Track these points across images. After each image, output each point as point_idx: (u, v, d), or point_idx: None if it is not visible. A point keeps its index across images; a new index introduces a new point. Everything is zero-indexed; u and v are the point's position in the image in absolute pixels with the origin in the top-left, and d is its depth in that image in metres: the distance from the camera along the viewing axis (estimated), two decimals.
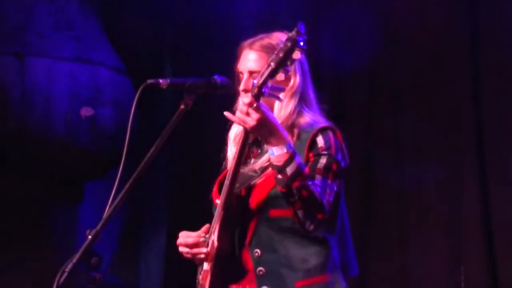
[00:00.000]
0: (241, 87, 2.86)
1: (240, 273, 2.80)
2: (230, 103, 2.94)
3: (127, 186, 2.61)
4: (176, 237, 2.90)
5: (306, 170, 2.70)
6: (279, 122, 2.76)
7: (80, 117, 5.56)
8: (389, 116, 5.39)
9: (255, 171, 2.81)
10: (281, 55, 2.55)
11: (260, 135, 2.71)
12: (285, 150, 2.65)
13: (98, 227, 2.54)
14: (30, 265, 5.58)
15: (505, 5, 5.06)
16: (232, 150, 2.92)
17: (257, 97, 2.61)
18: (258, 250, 2.78)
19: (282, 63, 2.56)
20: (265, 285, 2.76)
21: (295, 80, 2.85)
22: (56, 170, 5.68)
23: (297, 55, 2.54)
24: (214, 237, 2.77)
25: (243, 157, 2.78)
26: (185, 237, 2.87)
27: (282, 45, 2.56)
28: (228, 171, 2.80)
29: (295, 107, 2.84)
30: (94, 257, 2.53)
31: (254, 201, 2.78)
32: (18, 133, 5.43)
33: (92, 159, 5.70)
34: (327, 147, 2.77)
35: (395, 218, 5.29)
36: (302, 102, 2.86)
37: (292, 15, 5.45)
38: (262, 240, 2.78)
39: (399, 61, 5.39)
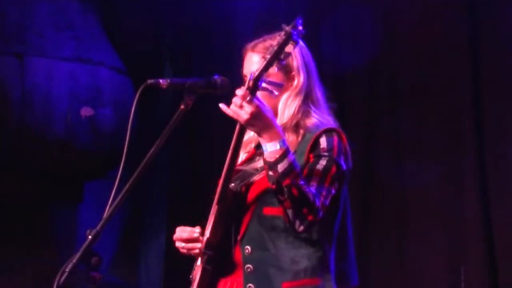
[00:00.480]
0: None
1: (230, 268, 2.77)
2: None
3: (127, 186, 2.60)
4: None
5: (304, 170, 2.67)
6: (283, 122, 2.76)
7: (80, 117, 5.56)
8: (389, 116, 5.38)
9: (256, 169, 2.78)
10: (275, 48, 2.55)
11: (253, 129, 2.65)
12: (278, 147, 2.61)
13: (98, 227, 2.54)
14: (30, 265, 5.58)
15: (505, 5, 5.06)
16: (241, 156, 2.89)
17: (251, 90, 2.58)
18: (249, 247, 2.74)
19: (276, 56, 2.55)
20: (251, 283, 2.72)
21: (299, 80, 2.83)
22: (56, 170, 5.67)
23: (290, 48, 2.54)
24: (207, 230, 2.76)
25: (239, 151, 2.75)
26: (180, 232, 2.85)
27: (278, 38, 2.57)
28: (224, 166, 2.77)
29: (300, 107, 2.80)
30: (94, 257, 2.52)
31: (250, 197, 2.76)
32: (18, 133, 5.42)
33: (92, 159, 5.69)
34: (329, 148, 2.72)
35: (395, 218, 5.29)
36: (308, 102, 2.83)
37: (292, 15, 5.44)
38: (253, 238, 2.74)
39: (399, 61, 5.39)
